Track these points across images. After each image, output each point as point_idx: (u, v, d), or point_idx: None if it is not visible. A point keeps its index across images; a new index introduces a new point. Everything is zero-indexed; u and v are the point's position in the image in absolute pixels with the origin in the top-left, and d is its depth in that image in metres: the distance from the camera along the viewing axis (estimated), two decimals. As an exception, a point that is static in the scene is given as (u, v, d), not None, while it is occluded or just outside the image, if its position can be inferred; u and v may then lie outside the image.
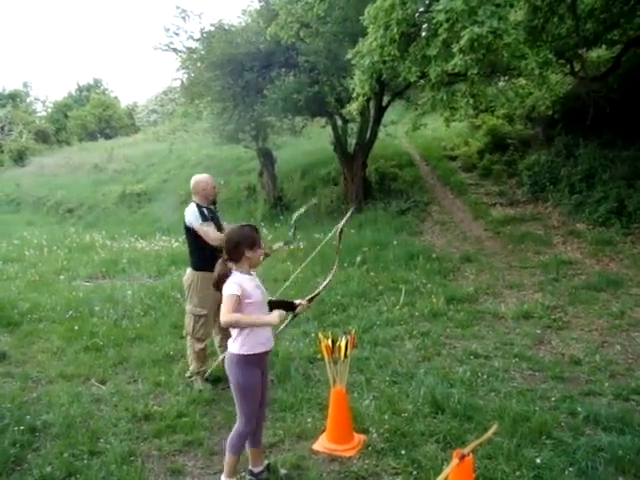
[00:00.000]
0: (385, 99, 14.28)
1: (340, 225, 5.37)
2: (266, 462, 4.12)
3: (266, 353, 3.81)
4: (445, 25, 7.63)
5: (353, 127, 15.21)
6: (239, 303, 3.56)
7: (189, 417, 4.96)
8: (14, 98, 43.84)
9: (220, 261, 3.73)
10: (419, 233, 12.42)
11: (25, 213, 21.67)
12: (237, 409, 3.80)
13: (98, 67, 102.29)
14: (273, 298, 4.04)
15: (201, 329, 5.64)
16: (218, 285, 3.66)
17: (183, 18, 15.32)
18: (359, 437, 4.50)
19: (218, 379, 5.80)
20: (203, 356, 5.73)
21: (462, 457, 3.33)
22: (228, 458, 3.83)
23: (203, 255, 5.46)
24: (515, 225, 11.64)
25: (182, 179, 21.00)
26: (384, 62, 8.73)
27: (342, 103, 14.00)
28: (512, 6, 7.79)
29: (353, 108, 9.84)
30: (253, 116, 15.12)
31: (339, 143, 14.84)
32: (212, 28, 15.18)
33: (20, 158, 31.26)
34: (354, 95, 9.40)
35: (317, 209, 15.54)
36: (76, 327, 7.46)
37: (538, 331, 6.89)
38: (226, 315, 3.49)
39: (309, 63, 13.23)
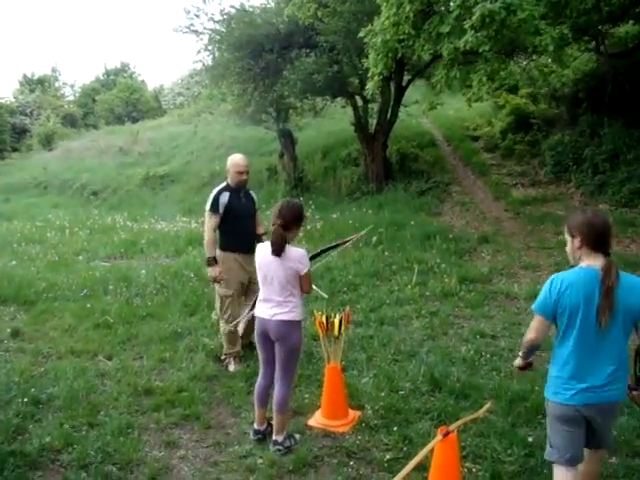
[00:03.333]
0: (405, 79, 14.16)
1: (355, 237, 5.72)
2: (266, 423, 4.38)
3: None
4: (457, 1, 7.53)
5: (373, 107, 15.11)
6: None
7: (189, 392, 5.06)
8: (43, 83, 44.44)
9: (277, 227, 3.94)
10: (438, 214, 12.34)
11: (51, 196, 22.02)
12: (283, 374, 4.11)
13: (126, 51, 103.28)
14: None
15: (228, 310, 5.57)
16: (280, 249, 3.94)
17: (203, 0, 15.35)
18: (354, 413, 4.55)
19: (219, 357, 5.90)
20: (234, 338, 5.64)
21: (446, 433, 3.34)
22: (280, 419, 4.15)
23: (229, 236, 5.54)
24: (536, 206, 11.48)
25: (205, 160, 21.20)
26: (400, 41, 8.66)
27: (363, 83, 13.92)
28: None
29: (369, 87, 9.76)
30: (273, 97, 15.14)
31: (359, 123, 14.76)
32: (232, 9, 15.19)
33: (48, 142, 31.73)
34: (369, 74, 9.35)
35: (337, 189, 15.56)
36: (88, 305, 7.61)
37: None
38: (310, 288, 4.16)
39: (328, 43, 13.14)
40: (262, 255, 4.08)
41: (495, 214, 11.53)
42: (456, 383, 4.88)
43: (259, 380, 4.28)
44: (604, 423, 3.07)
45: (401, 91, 14.01)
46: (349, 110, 15.51)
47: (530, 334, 3.07)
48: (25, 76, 44.27)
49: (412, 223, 11.04)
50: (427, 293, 7.63)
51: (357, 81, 14.33)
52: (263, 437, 4.28)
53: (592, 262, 2.92)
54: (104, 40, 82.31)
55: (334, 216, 12.23)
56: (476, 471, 3.73)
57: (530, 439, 3.98)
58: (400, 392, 4.81)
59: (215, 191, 5.56)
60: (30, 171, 25.34)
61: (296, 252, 3.99)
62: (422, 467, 3.49)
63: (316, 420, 4.53)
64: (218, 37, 15.61)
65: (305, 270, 4.00)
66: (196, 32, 15.98)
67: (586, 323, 2.88)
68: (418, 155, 15.04)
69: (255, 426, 4.33)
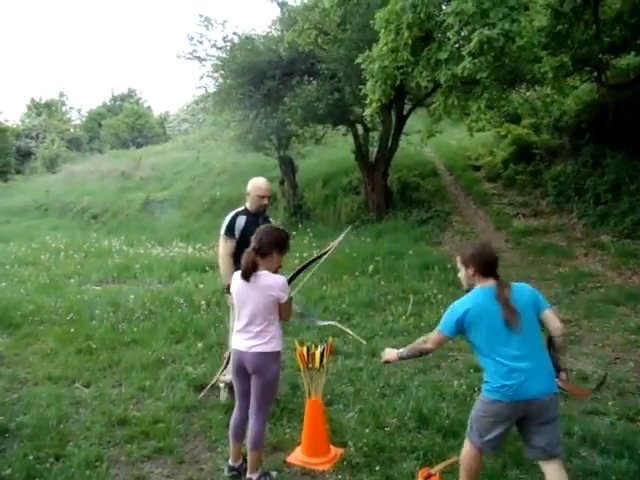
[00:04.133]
0: (407, 108, 14.10)
1: (334, 243, 5.21)
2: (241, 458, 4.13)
3: None
4: (456, 28, 7.44)
5: (374, 136, 15.04)
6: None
7: (165, 423, 4.82)
8: (50, 107, 44.74)
9: (250, 250, 3.78)
10: (438, 243, 12.18)
11: (52, 218, 21.93)
12: (257, 408, 3.90)
13: (133, 77, 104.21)
14: None
15: None
16: (248, 273, 3.75)
17: (206, 26, 15.43)
18: (336, 450, 4.30)
19: (203, 387, 5.67)
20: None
21: (428, 476, 3.12)
22: (255, 456, 3.91)
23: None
24: (537, 236, 11.30)
25: (206, 186, 21.14)
26: (399, 68, 8.57)
27: (364, 111, 13.87)
28: (527, 9, 7.54)
29: (367, 114, 9.67)
30: (274, 124, 15.11)
31: (360, 152, 14.72)
32: (235, 36, 15.25)
33: (52, 165, 31.82)
34: (367, 101, 9.26)
35: (337, 217, 15.44)
36: (72, 330, 7.39)
37: (548, 344, 6.58)
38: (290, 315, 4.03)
39: (329, 70, 13.13)
40: (238, 283, 3.87)
41: (495, 244, 11.31)
42: (445, 420, 4.62)
43: (235, 414, 4.05)
44: None
45: (402, 120, 13.95)
46: (350, 138, 15.46)
47: (429, 345, 3.47)
48: (33, 100, 44.66)
49: (410, 252, 10.86)
50: (422, 324, 7.37)
51: (359, 109, 14.29)
52: (238, 474, 4.02)
53: (485, 284, 3.30)
54: (112, 66, 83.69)
55: (331, 244, 11.99)
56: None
57: (521, 482, 3.73)
58: (386, 428, 4.56)
59: (231, 214, 5.22)
60: (32, 194, 25.30)
61: (275, 279, 3.80)
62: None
63: (296, 457, 4.28)
64: (220, 63, 15.65)
65: (286, 297, 3.81)
66: (199, 58, 16.07)
67: (493, 329, 3.22)
68: (419, 184, 14.93)
69: (230, 462, 4.07)
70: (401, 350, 3.71)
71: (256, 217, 5.14)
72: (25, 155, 35.75)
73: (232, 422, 4.04)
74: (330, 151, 19.90)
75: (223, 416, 4.96)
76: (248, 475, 3.91)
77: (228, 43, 15.39)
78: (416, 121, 15.00)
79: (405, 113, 14.00)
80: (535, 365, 3.21)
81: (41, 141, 36.60)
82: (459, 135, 16.01)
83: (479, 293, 3.29)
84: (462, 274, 3.43)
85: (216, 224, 16.41)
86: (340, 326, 5.40)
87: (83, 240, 15.65)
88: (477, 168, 15.65)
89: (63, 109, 47.33)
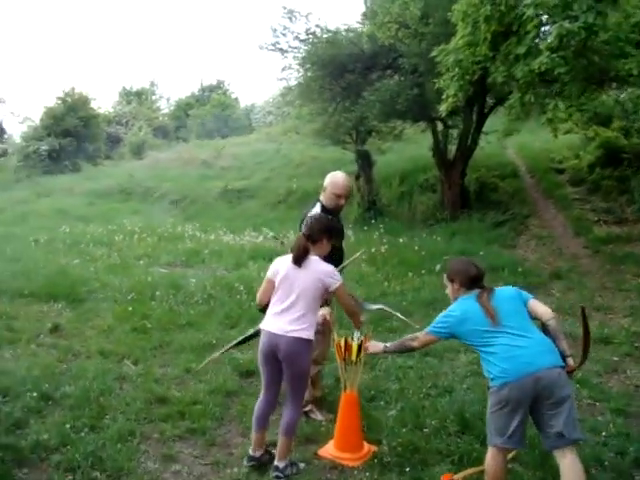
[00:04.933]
0: (489, 106, 13.70)
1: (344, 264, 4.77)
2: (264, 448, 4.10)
3: None
4: (535, 21, 7.12)
5: (453, 133, 14.71)
6: None
7: (202, 405, 4.85)
8: (140, 95, 46.36)
9: (301, 235, 3.92)
10: (512, 246, 11.77)
11: (133, 203, 22.60)
12: (294, 396, 3.92)
13: (222, 68, 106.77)
14: None
15: (317, 349, 4.54)
16: (300, 259, 3.82)
17: (290, 18, 15.50)
18: (369, 447, 4.19)
19: (250, 372, 5.68)
20: (317, 380, 4.90)
21: (450, 482, 2.97)
22: (286, 443, 3.90)
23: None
24: (618, 244, 10.70)
25: (284, 178, 21.29)
26: (477, 62, 8.30)
27: (445, 107, 13.58)
28: (615, 1, 7.11)
29: (442, 109, 9.38)
30: (352, 118, 15.03)
31: (438, 149, 14.42)
32: (317, 29, 15.25)
33: (138, 151, 32.89)
34: (444, 96, 9.02)
35: (412, 215, 15.20)
36: (130, 308, 7.57)
37: (615, 358, 6.21)
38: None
39: (410, 65, 12.91)
40: (287, 266, 3.87)
41: (573, 250, 10.84)
42: (489, 426, 4.42)
43: (260, 402, 4.02)
44: None
45: (483, 118, 13.56)
46: (430, 135, 15.18)
47: (416, 343, 3.71)
48: (124, 88, 46.41)
49: (481, 254, 10.52)
50: (482, 327, 7.14)
51: (439, 105, 13.98)
52: (257, 465, 3.98)
53: (469, 294, 3.53)
54: (202, 57, 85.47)
55: (401, 241, 11.85)
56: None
57: (557, 499, 3.50)
58: (424, 429, 4.41)
59: (307, 213, 4.58)
60: (117, 178, 26.18)
61: (326, 266, 3.87)
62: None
63: (327, 450, 4.20)
64: (302, 56, 15.71)
65: (337, 284, 3.84)
66: (281, 50, 16.17)
67: (481, 328, 3.39)
68: (498, 185, 14.47)
69: (250, 452, 4.03)
70: (388, 344, 3.92)
71: (332, 214, 4.60)
72: (115, 141, 37.11)
73: (256, 410, 4.02)
74: (411, 148, 19.63)
75: (262, 403, 4.95)
76: (276, 462, 3.87)
77: (310, 36, 15.41)
78: (498, 120, 14.56)
79: (486, 111, 13.59)
80: (533, 342, 3.32)
81: (130, 128, 37.93)
82: (545, 137, 15.40)
83: (464, 301, 3.53)
84: (449, 289, 3.68)
85: (290, 215, 16.65)
86: (389, 309, 5.23)
87: (159, 224, 16.05)
88: (561, 171, 14.96)
89: (153, 98, 48.94)
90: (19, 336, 6.58)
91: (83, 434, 4.28)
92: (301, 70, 16.27)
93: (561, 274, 9.56)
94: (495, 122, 14.50)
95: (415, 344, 3.70)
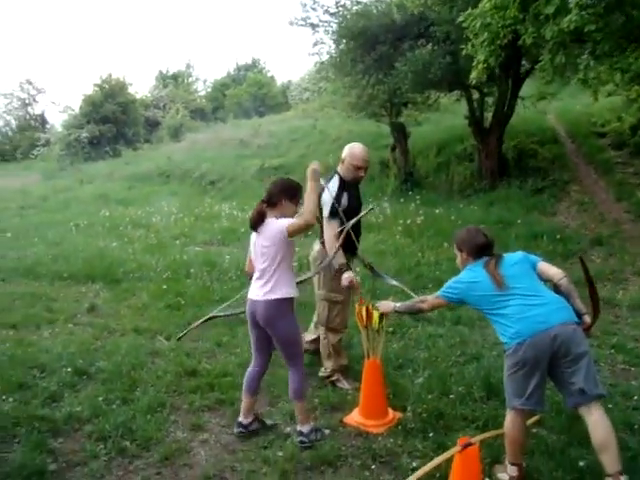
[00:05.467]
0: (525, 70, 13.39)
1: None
2: (253, 415, 4.17)
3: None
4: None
5: (488, 101, 14.43)
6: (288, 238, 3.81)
7: (232, 377, 4.94)
8: (176, 78, 46.76)
9: (259, 202, 3.90)
10: (553, 213, 11.53)
11: (172, 185, 22.90)
12: (290, 362, 3.96)
13: (257, 47, 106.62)
14: None
15: (337, 317, 4.80)
16: (256, 223, 3.85)
17: (319, -8, 15.36)
18: (394, 414, 4.23)
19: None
20: (340, 349, 4.95)
21: (466, 445, 2.98)
22: (300, 406, 3.96)
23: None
24: (661, 209, 10.42)
25: (320, 154, 21.22)
26: (507, 25, 8.11)
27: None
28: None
29: (473, 77, 9.18)
30: (385, 90, 14.87)
31: (474, 117, 14.16)
32: (347, 1, 15.09)
33: (176, 134, 33.24)
34: (474, 62, 8.85)
35: (449, 186, 15.03)
36: (165, 287, 7.74)
37: (653, 323, 6.10)
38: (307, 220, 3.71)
39: (442, 33, 12.68)
40: (253, 235, 3.98)
41: (615, 216, 10.57)
42: (516, 391, 4.40)
43: (250, 367, 4.14)
44: None
45: (518, 83, 13.24)
46: (465, 103, 14.94)
47: (425, 306, 3.85)
48: (160, 72, 46.84)
49: (519, 222, 10.38)
50: (517, 295, 7.07)
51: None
52: (245, 432, 4.05)
53: (477, 262, 3.55)
54: (237, 36, 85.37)
55: (437, 211, 11.76)
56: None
57: (581, 463, 3.46)
58: (450, 396, 4.42)
59: (331, 194, 4.59)
60: (156, 161, 26.54)
61: (280, 220, 3.79)
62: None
63: (352, 417, 4.25)
64: (332, 29, 15.58)
65: (287, 223, 3.72)
66: (312, 25, 16.05)
67: (490, 293, 3.40)
68: (537, 151, 14.15)
69: (239, 418, 4.11)
70: (398, 304, 4.00)
71: (352, 189, 4.73)
72: (153, 125, 37.60)
73: (246, 376, 4.13)
74: (447, 118, 19.38)
75: (290, 374, 5.03)
76: (298, 428, 3.94)
77: (340, 8, 15.26)
78: (535, 84, 14.23)
79: (522, 76, 13.28)
80: (545, 301, 3.31)
81: (167, 111, 38.32)
82: (585, 100, 14.99)
83: (472, 269, 3.54)
84: (458, 259, 3.72)
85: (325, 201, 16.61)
86: (403, 287, 5.23)
87: (196, 205, 16.25)
88: (602, 135, 14.52)
89: (189, 80, 49.29)
90: (57, 316, 6.82)
91: (114, 406, 4.44)
92: (332, 44, 16.17)
93: (602, 240, 9.36)
94: (533, 87, 14.21)
95: (424, 306, 3.81)
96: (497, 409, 4.16)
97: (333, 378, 4.87)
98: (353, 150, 4.73)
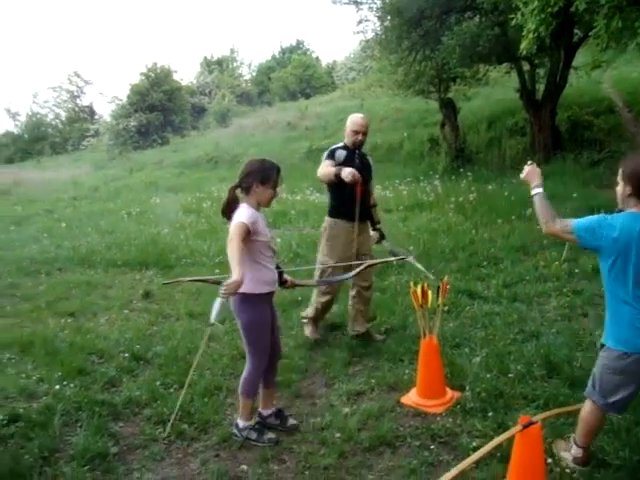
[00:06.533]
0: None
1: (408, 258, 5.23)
2: (274, 409, 4.07)
3: (271, 293, 3.80)
4: None
5: (539, 72, 14.07)
6: (247, 235, 3.47)
7: (287, 359, 4.96)
8: (221, 64, 47.11)
9: (230, 186, 3.70)
10: (609, 186, 11.15)
11: (221, 170, 23.12)
12: (246, 351, 3.81)
13: (302, 28, 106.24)
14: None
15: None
16: (225, 211, 3.65)
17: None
18: (452, 394, 4.18)
19: (337, 326, 5.79)
20: (322, 309, 5.50)
21: (528, 425, 2.92)
22: (242, 402, 3.86)
23: (339, 202, 5.27)
24: None
25: (368, 134, 21.15)
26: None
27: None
28: None
29: (523, 47, 8.92)
30: (432, 66, 14.68)
31: (525, 90, 13.86)
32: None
33: (223, 120, 33.55)
34: (524, 32, 8.60)
35: (501, 161, 14.79)
36: (217, 270, 7.80)
37: None
38: (232, 242, 3.35)
39: (489, 4, 12.37)
40: None
41: (677, 186, 10.19)
42: (577, 370, 4.31)
43: None
44: None
45: (571, 52, 12.88)
46: (515, 76, 14.62)
47: (557, 227, 3.10)
48: (205, 58, 47.22)
49: (575, 195, 10.12)
50: (576, 270, 6.92)
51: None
52: (262, 425, 3.92)
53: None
54: (281, 18, 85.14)
55: (489, 188, 11.57)
56: (570, 472, 3.24)
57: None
58: (509, 375, 4.35)
59: (330, 148, 5.33)
60: (204, 147, 26.87)
61: (238, 212, 3.58)
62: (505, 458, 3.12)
63: (410, 398, 4.23)
64: (377, 6, 15.41)
65: (234, 222, 3.48)
66: (356, 2, 15.93)
67: (630, 266, 2.92)
68: (592, 123, 13.80)
69: (259, 408, 4.05)
70: (540, 190, 3.31)
71: (353, 153, 5.24)
72: (200, 111, 38.04)
73: None
74: (497, 91, 19.05)
75: (345, 354, 5.06)
76: (237, 419, 3.92)
77: (384, -17, 15.09)
78: (589, 53, 13.81)
79: (574, 44, 12.89)
80: None
81: (213, 97, 38.66)
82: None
83: (630, 218, 2.96)
84: (619, 189, 3.09)
85: (376, 170, 16.53)
86: (414, 262, 5.23)
87: (245, 189, 16.36)
88: (662, 102, 14.12)
89: (234, 65, 49.57)
90: (113, 303, 6.97)
91: (172, 390, 4.52)
92: (377, 21, 16.00)
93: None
94: (586, 56, 13.78)
95: (555, 227, 3.11)
96: (558, 388, 4.09)
97: (304, 321, 5.67)
98: (353, 118, 5.35)
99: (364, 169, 5.23)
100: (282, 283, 4.07)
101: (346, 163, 5.11)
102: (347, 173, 4.80)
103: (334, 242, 5.29)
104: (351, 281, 5.40)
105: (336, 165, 5.05)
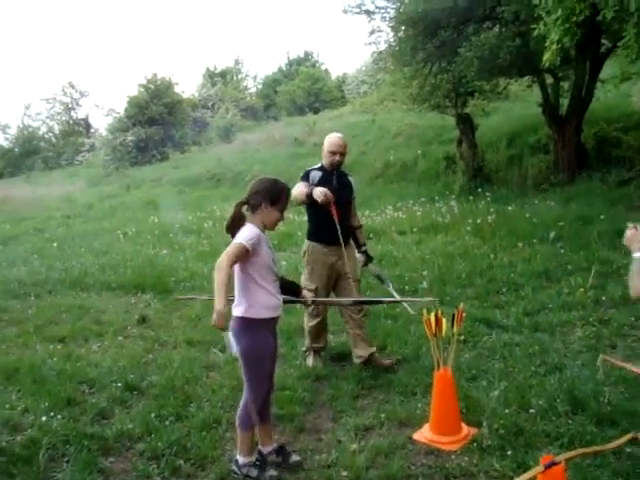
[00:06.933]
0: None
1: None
2: (275, 445, 4.02)
3: (273, 319, 3.81)
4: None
5: (564, 86, 14.11)
6: (245, 256, 3.54)
7: (291, 391, 4.96)
8: (225, 76, 47.54)
9: (237, 202, 3.73)
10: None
11: (223, 188, 23.27)
12: (244, 380, 3.80)
13: (309, 39, 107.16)
14: (286, 277, 4.11)
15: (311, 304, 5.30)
16: (229, 228, 3.71)
17: (374, -24, 15.36)
18: (468, 430, 4.15)
19: (342, 356, 5.79)
20: (315, 332, 5.66)
21: (550, 465, 2.87)
22: (240, 436, 3.84)
23: (316, 225, 5.50)
24: None
25: (380, 150, 21.24)
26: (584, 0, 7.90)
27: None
28: None
29: (545, 59, 8.94)
30: (449, 79, 14.75)
31: (548, 104, 13.87)
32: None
33: (226, 135, 33.77)
34: (547, 43, 8.64)
35: (522, 180, 14.79)
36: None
37: None
38: (224, 261, 3.45)
39: (510, 13, 12.45)
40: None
41: None
42: (604, 406, 4.26)
43: None
44: None
45: (598, 64, 12.90)
46: (537, 90, 14.64)
47: None
48: (208, 70, 47.66)
49: (602, 217, 10.10)
50: (603, 298, 6.86)
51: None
52: (261, 463, 3.84)
53: None
54: (287, 29, 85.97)
55: (509, 209, 11.56)
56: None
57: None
58: (530, 410, 4.31)
59: (305, 170, 5.55)
60: (206, 164, 27.03)
61: (241, 231, 3.65)
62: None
63: (423, 434, 4.20)
64: (390, 16, 15.53)
65: (233, 244, 3.56)
66: (367, 12, 16.04)
67: None
68: (620, 139, 13.75)
69: (259, 445, 4.00)
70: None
71: (330, 174, 5.40)
72: (202, 126, 38.34)
73: None
74: (518, 106, 19.10)
75: (354, 386, 5.05)
76: (236, 455, 3.89)
77: (397, -9, 15.22)
78: (617, 65, 13.86)
79: (601, 56, 12.93)
80: None
81: (216, 111, 38.98)
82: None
83: None
84: None
85: (388, 190, 16.55)
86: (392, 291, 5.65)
87: (248, 209, 16.43)
88: (697, 118, 14.09)
89: (238, 77, 50.02)
90: (106, 328, 6.98)
91: (168, 423, 4.50)
92: (390, 32, 16.11)
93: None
94: (614, 67, 13.82)
95: None
96: (584, 425, 4.03)
97: (306, 354, 5.75)
98: (330, 139, 5.46)
99: (342, 189, 5.43)
100: (297, 294, 4.13)
101: (322, 184, 5.27)
102: (319, 193, 5.03)
103: (314, 266, 5.49)
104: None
105: (310, 186, 5.19)
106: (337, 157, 5.37)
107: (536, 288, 7.48)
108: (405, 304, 5.66)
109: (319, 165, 5.50)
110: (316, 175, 5.36)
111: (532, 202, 12.26)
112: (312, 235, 5.56)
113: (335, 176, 5.42)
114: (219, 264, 3.44)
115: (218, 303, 3.32)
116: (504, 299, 7.20)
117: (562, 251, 8.71)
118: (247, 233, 3.58)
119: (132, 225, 14.80)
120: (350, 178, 5.64)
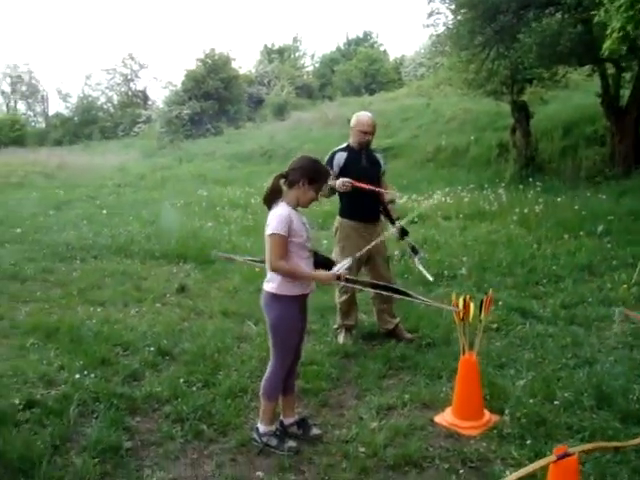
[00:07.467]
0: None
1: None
2: (297, 417, 4.10)
3: (304, 296, 3.86)
4: None
5: (626, 76, 13.71)
6: (286, 242, 3.62)
7: (318, 366, 5.02)
8: (282, 53, 47.53)
9: (276, 175, 3.77)
10: (697, 205, 10.86)
11: (274, 165, 23.28)
12: (271, 351, 3.90)
13: (370, 19, 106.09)
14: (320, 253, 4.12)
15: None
16: (267, 199, 3.76)
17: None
18: (490, 416, 4.14)
19: (373, 335, 5.82)
20: (346, 309, 5.71)
21: (562, 456, 2.84)
22: (263, 405, 3.92)
23: (347, 202, 5.53)
24: None
25: (432, 135, 21.03)
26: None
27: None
28: None
29: (605, 48, 8.71)
30: (506, 65, 14.49)
31: (608, 95, 13.52)
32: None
33: (280, 112, 33.83)
34: (608, 31, 8.41)
35: (576, 172, 14.47)
36: (257, 270, 7.89)
37: None
38: (275, 261, 3.58)
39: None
40: None
41: None
42: (633, 403, 4.19)
43: None
44: None
45: (663, 52, 12.50)
46: (597, 79, 14.28)
47: None
48: (266, 47, 47.73)
49: (656, 215, 9.86)
50: (646, 294, 6.73)
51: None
52: (282, 433, 3.93)
53: None
54: (348, 7, 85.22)
55: (559, 200, 11.36)
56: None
57: None
58: (554, 402, 4.27)
59: (331, 151, 5.58)
60: (259, 140, 27.18)
61: (274, 211, 3.71)
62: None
63: (444, 417, 4.21)
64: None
65: (269, 232, 3.64)
66: (428, -6, 15.85)
67: None
68: (686, 133, 13.36)
69: (281, 416, 4.09)
70: None
71: (358, 153, 5.46)
72: (257, 102, 38.49)
73: None
74: (577, 96, 18.64)
75: (381, 366, 5.07)
76: (258, 423, 3.97)
77: (458, -27, 14.97)
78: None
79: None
80: None
81: (272, 88, 39.06)
82: None
83: None
84: None
85: (439, 175, 16.41)
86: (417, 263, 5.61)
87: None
88: None
89: (296, 55, 49.97)
90: (146, 295, 7.17)
91: (195, 389, 4.62)
92: (449, 14, 15.90)
93: None
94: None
95: None
96: (608, 421, 3.98)
97: (337, 331, 5.77)
98: (360, 118, 5.50)
99: (372, 167, 5.52)
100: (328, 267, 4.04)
101: (350, 164, 5.38)
102: (340, 184, 5.20)
103: (345, 243, 5.53)
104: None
105: (337, 172, 5.32)
106: (367, 137, 5.43)
107: (577, 281, 7.36)
108: (422, 269, 5.57)
109: (345, 145, 5.55)
110: (341, 158, 5.41)
111: (583, 195, 11.99)
112: (343, 212, 5.61)
113: (364, 155, 5.47)
114: (277, 268, 3.64)
115: (318, 278, 3.81)
116: (543, 290, 7.12)
117: (609, 245, 8.54)
118: (279, 217, 3.63)
119: (182, 197, 15.02)
120: (378, 155, 5.69)
